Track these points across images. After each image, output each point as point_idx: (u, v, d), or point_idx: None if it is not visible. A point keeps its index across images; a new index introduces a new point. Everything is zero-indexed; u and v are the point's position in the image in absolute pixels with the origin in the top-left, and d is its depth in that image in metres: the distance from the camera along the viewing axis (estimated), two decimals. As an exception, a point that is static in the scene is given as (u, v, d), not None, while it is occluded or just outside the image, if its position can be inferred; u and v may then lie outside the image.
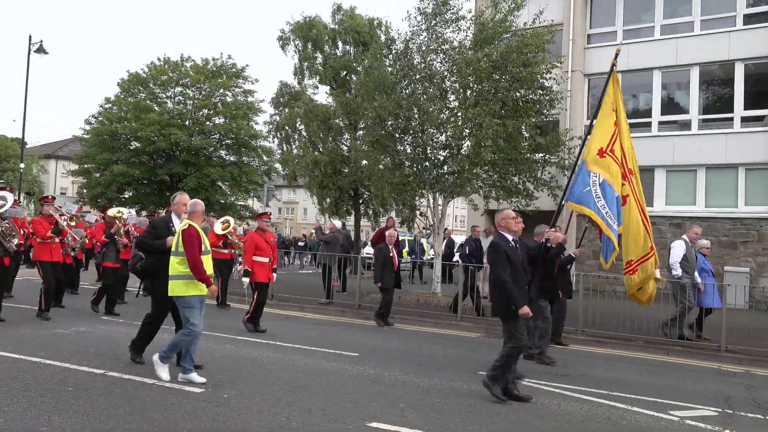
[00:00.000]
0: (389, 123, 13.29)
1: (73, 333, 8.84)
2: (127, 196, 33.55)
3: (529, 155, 13.57)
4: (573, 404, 6.43)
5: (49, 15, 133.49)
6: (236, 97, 35.04)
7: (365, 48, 20.81)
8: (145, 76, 34.33)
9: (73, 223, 11.49)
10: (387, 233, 11.87)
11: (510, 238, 6.51)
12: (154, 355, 6.42)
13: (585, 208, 8.96)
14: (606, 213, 8.87)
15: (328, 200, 24.48)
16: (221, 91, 35.07)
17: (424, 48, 13.83)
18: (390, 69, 13.94)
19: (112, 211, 11.75)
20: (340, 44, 24.72)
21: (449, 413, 5.79)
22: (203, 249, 6.27)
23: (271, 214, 11.32)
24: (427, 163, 13.95)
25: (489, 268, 7.14)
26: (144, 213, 27.13)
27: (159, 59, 34.60)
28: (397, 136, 13.39)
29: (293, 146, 25.56)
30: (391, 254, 11.35)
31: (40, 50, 29.69)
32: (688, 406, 6.62)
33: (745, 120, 17.27)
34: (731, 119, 17.44)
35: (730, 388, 7.78)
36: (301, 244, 32.95)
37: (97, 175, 33.63)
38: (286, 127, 25.27)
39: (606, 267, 9.37)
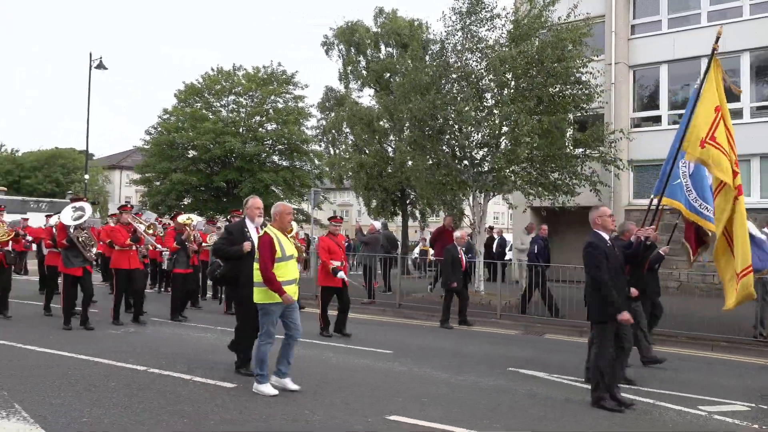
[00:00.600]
0: (426, 123, 13.39)
1: (123, 333, 9.37)
2: (186, 203, 34.72)
3: (567, 151, 13.41)
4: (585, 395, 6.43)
5: (108, 33, 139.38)
6: (287, 103, 35.80)
7: (406, 50, 20.96)
8: (200, 86, 35.50)
9: (150, 231, 11.59)
10: (457, 234, 11.82)
11: (606, 237, 6.15)
12: (254, 383, 6.09)
13: (675, 201, 8.36)
14: (700, 205, 8.23)
15: (374, 202, 24.73)
16: (272, 97, 35.90)
17: (459, 48, 13.89)
18: (427, 70, 14.04)
19: (181, 218, 11.67)
20: (382, 47, 24.95)
21: (470, 408, 5.90)
22: (282, 255, 5.98)
23: (342, 218, 11.16)
24: (465, 162, 14.01)
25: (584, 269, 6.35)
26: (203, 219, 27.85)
27: (213, 69, 35.72)
28: (435, 136, 13.48)
29: (339, 149, 25.93)
30: (459, 255, 11.26)
31: (100, 66, 31.04)
32: (720, 401, 6.53)
33: (800, 106, 16.59)
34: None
35: (757, 382, 7.58)
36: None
37: (157, 183, 34.97)
38: (333, 131, 25.67)
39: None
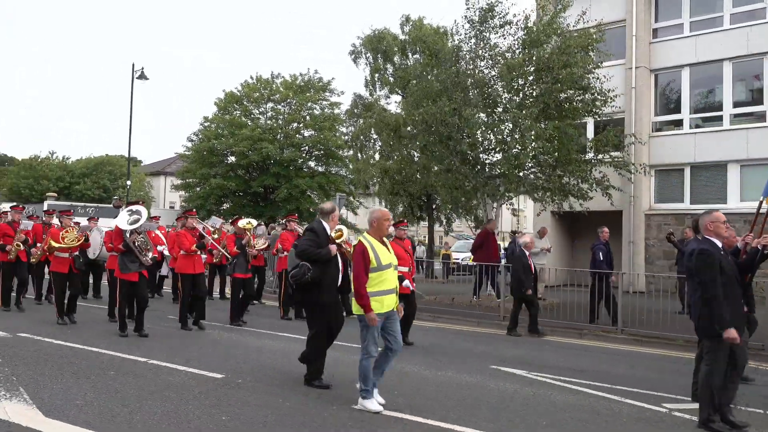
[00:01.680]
0: (437, 129, 13.72)
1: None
2: (225, 207, 35.75)
3: (576, 156, 13.53)
4: (564, 395, 6.69)
5: (150, 45, 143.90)
6: (323, 110, 36.48)
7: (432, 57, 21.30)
8: (239, 94, 36.54)
9: (216, 236, 11.57)
10: (525, 240, 11.44)
11: (720, 244, 5.68)
12: (359, 399, 5.84)
13: None
14: None
15: (400, 207, 25.12)
16: (309, 104, 36.66)
17: (470, 56, 14.19)
18: (439, 76, 14.39)
19: (242, 223, 11.52)
20: (409, 54, 25.39)
21: (438, 401, 6.23)
22: (377, 264, 5.64)
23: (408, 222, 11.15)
24: (478, 167, 14.27)
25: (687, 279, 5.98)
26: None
27: (251, 77, 36.74)
28: (444, 142, 13.80)
29: (366, 155, 26.45)
30: (529, 261, 10.96)
31: (142, 76, 32.39)
32: (685, 399, 6.67)
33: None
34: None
35: (745, 386, 7.65)
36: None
37: (198, 189, 36.14)
38: (361, 137, 26.22)
39: None
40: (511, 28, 14.54)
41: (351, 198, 34.42)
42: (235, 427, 5.17)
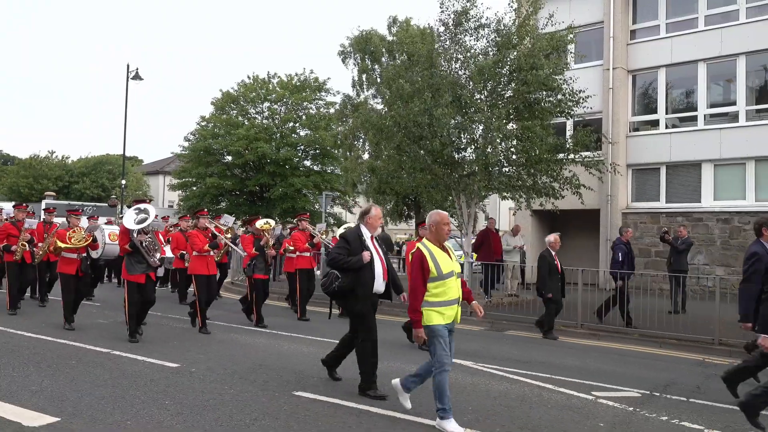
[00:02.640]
0: (409, 130, 14.05)
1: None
2: (221, 206, 36.06)
3: (547, 155, 13.82)
4: (502, 384, 7.05)
5: (145, 44, 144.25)
6: (319, 109, 36.76)
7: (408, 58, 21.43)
8: (235, 94, 36.87)
9: (228, 236, 11.35)
10: (550, 238, 10.96)
11: None
12: (394, 380, 5.81)
13: None
14: None
15: (388, 206, 25.46)
16: (304, 104, 37.00)
17: (444, 58, 14.50)
18: (414, 78, 14.70)
19: (259, 223, 11.27)
20: (396, 55, 25.68)
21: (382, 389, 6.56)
22: (437, 273, 5.24)
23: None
24: (450, 166, 14.55)
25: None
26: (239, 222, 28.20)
27: (248, 77, 37.07)
28: (417, 142, 14.12)
29: (353, 155, 26.79)
30: (555, 261, 10.61)
31: (136, 77, 32.75)
32: (616, 388, 7.03)
33: (797, 108, 16.58)
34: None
35: (684, 376, 8.00)
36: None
37: (194, 188, 36.47)
38: (349, 137, 26.56)
39: None
40: (484, 30, 14.85)
41: (347, 197, 34.73)
42: (175, 410, 5.53)
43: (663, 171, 18.51)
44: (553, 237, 10.92)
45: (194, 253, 10.02)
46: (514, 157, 14.02)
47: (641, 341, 10.46)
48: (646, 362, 8.95)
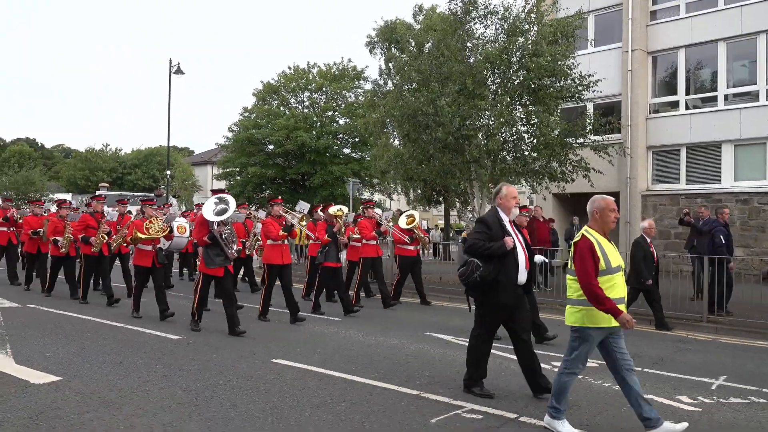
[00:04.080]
0: (416, 119, 14.58)
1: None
2: (265, 195, 37.24)
3: (554, 140, 14.08)
4: (470, 355, 7.57)
5: (188, 41, 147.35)
6: (358, 98, 37.48)
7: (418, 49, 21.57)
8: (276, 84, 37.91)
9: (304, 223, 11.15)
10: (644, 224, 10.29)
11: None
12: (546, 417, 5.05)
13: None
14: None
15: (417, 192, 25.89)
16: (343, 93, 37.81)
17: (452, 47, 14.90)
18: (422, 68, 15.18)
19: (332, 209, 10.96)
20: (423, 43, 26.04)
21: (351, 359, 7.21)
22: (606, 266, 4.72)
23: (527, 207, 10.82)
24: (459, 154, 14.98)
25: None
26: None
27: (289, 68, 38.10)
28: (423, 130, 14.62)
29: (383, 142, 27.30)
30: (651, 248, 10.04)
31: (178, 71, 34.08)
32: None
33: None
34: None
35: (654, 350, 8.34)
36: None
37: (238, 177, 37.80)
38: (378, 125, 27.05)
39: None
40: (494, 17, 15.17)
41: (387, 184, 35.38)
42: (161, 372, 6.33)
43: (683, 152, 18.42)
44: (647, 223, 10.26)
45: (269, 241, 9.72)
46: (522, 143, 14.34)
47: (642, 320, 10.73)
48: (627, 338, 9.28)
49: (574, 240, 4.93)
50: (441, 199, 26.72)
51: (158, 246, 9.63)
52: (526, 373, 5.85)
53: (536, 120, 14.05)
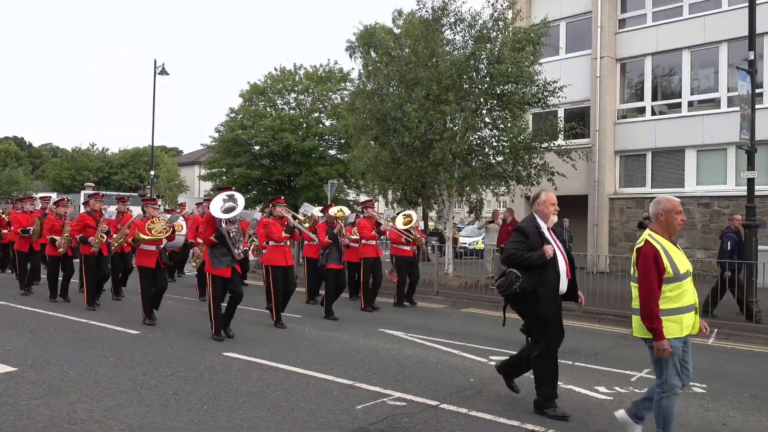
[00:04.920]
0: (384, 122, 15.02)
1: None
2: (250, 196, 37.42)
3: (517, 145, 14.52)
4: (415, 350, 7.98)
5: (179, 41, 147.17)
6: (344, 99, 37.82)
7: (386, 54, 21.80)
8: (263, 86, 38.19)
9: (307, 225, 10.84)
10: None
11: None
12: (619, 411, 4.94)
13: None
14: None
15: (396, 193, 26.29)
16: (329, 94, 38.19)
17: (420, 54, 15.33)
18: (391, 73, 15.62)
19: (332, 210, 10.90)
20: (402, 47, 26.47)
21: (299, 352, 7.59)
22: (674, 273, 4.40)
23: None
24: (424, 158, 15.37)
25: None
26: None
27: (275, 69, 38.42)
28: (390, 134, 15.06)
29: (361, 144, 27.68)
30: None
31: (163, 72, 34.36)
32: (512, 353, 7.87)
33: (777, 93, 16.81)
34: (761, 95, 17.01)
35: (592, 345, 8.78)
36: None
37: (224, 178, 38.03)
38: (357, 127, 27.45)
39: None
40: (462, 24, 15.61)
41: (372, 185, 35.74)
42: (113, 363, 6.70)
43: (649, 157, 18.95)
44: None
45: (270, 243, 9.46)
46: (487, 147, 14.78)
47: (584, 318, 11.20)
48: (569, 335, 9.70)
49: (637, 245, 4.59)
50: (419, 200, 27.18)
51: (161, 246, 9.31)
52: (511, 363, 5.86)
53: (501, 125, 14.49)
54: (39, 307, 10.39)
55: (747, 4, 16.33)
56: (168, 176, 51.36)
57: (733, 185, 17.20)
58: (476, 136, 14.56)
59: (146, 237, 9.08)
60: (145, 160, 59.02)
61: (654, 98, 19.05)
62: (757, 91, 16.71)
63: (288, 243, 9.57)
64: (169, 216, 9.94)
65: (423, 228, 30.53)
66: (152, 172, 36.99)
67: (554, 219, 5.55)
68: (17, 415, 4.99)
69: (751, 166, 11.63)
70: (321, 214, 12.33)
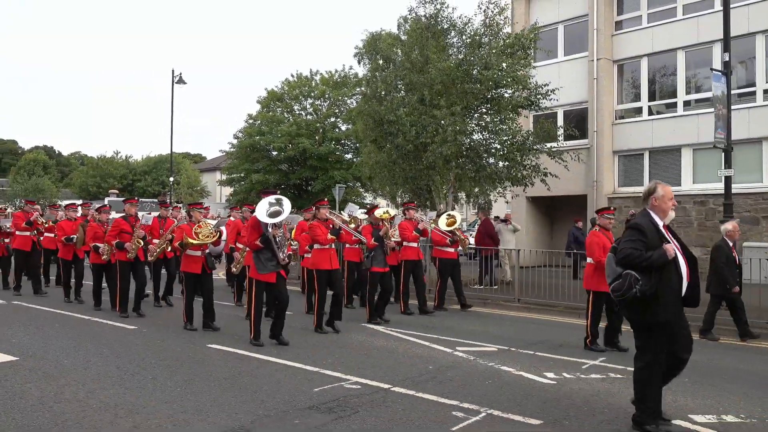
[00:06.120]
0: (381, 125, 15.62)
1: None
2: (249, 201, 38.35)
3: (509, 146, 14.98)
4: (388, 341, 8.53)
5: (191, 51, 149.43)
6: (359, 104, 38.49)
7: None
8: (280, 92, 39.05)
9: (353, 225, 10.78)
10: (728, 227, 9.52)
11: None
12: None
13: None
14: None
15: (405, 196, 26.81)
16: (344, 99, 38.94)
17: (414, 60, 15.88)
18: (387, 80, 16.21)
19: (378, 212, 10.65)
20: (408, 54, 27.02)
21: (280, 345, 8.17)
22: None
23: (614, 209, 10.57)
24: (418, 160, 15.90)
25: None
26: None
27: (292, 75, 39.26)
28: (386, 137, 15.65)
29: (368, 148, 28.28)
30: (733, 253, 9.39)
31: (180, 81, 35.40)
32: (480, 344, 8.38)
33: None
34: (753, 93, 17.22)
35: (560, 337, 9.21)
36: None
37: (243, 183, 38.98)
38: (365, 132, 28.07)
39: None
40: (454, 30, 16.13)
41: (377, 187, 36.37)
42: (105, 354, 7.37)
43: (646, 156, 19.23)
44: (731, 225, 9.55)
45: (315, 246, 9.36)
46: (479, 150, 15.26)
47: (565, 313, 11.62)
48: (543, 327, 10.19)
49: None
50: (428, 203, 27.69)
51: (207, 251, 9.25)
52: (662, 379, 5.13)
53: (492, 128, 14.97)
54: (50, 306, 11.14)
55: (739, 4, 16.76)
56: (189, 182, 52.57)
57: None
58: (468, 140, 15.01)
59: (194, 241, 8.96)
60: (167, 167, 60.47)
61: (651, 98, 19.34)
62: (751, 89, 17.12)
63: (333, 246, 9.36)
64: (216, 221, 9.88)
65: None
66: (171, 178, 38.07)
67: (672, 215, 5.14)
68: (11, 395, 5.66)
69: (728, 164, 11.95)
70: (365, 216, 12.28)
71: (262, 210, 7.91)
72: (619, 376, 6.86)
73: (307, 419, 5.18)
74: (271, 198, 8.07)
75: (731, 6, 12.19)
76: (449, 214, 11.99)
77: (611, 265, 5.12)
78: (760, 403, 5.94)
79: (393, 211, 11.41)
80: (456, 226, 11.69)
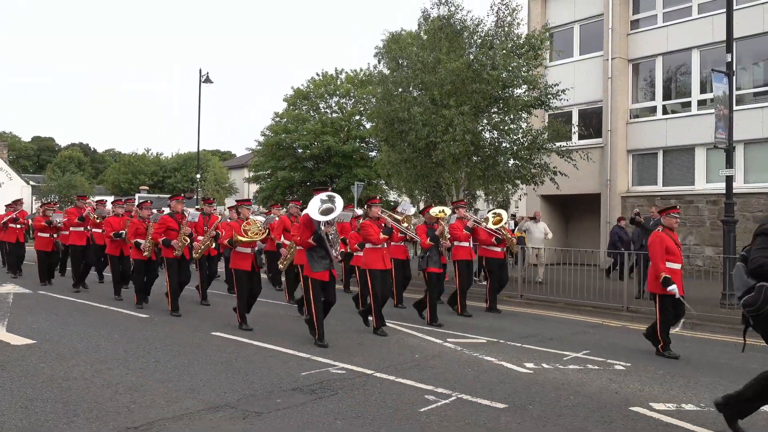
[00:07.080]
0: (393, 125, 16.02)
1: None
2: (295, 197, 38.93)
3: (518, 145, 15.25)
4: (392, 334, 8.89)
5: (217, 52, 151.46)
6: (372, 105, 39.00)
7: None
8: (305, 90, 39.71)
9: (405, 225, 10.48)
10: None
11: None
12: None
13: None
14: None
15: (423, 195, 27.16)
16: (369, 97, 39.42)
17: (427, 61, 16.23)
18: (399, 80, 16.60)
19: (433, 211, 10.50)
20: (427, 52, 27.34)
21: (281, 334, 8.62)
22: None
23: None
24: (430, 158, 16.26)
25: None
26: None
27: (317, 74, 39.93)
28: (398, 135, 16.05)
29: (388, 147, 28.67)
30: None
31: (207, 80, 36.25)
32: (469, 336, 8.73)
33: (786, 91, 16.95)
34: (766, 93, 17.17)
35: (552, 331, 9.49)
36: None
37: (269, 180, 39.75)
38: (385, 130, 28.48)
39: None
40: (466, 32, 16.44)
41: (395, 185, 36.79)
42: (115, 339, 7.94)
43: (660, 156, 19.25)
44: None
45: (366, 245, 9.14)
46: (490, 149, 15.56)
47: (565, 309, 11.88)
48: (539, 322, 10.47)
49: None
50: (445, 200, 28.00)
51: (256, 249, 9.20)
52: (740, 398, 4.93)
53: (502, 127, 15.26)
54: (71, 296, 11.82)
55: (750, 4, 16.74)
56: (216, 179, 53.64)
57: (742, 182, 17.36)
58: (476, 138, 15.30)
59: (243, 239, 8.90)
60: (196, 164, 61.89)
61: (665, 98, 19.35)
62: (766, 89, 17.07)
63: (386, 245, 9.14)
64: (265, 218, 9.86)
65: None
66: (198, 175, 39.00)
67: None
68: (25, 373, 6.23)
69: (729, 164, 12.05)
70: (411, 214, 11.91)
71: (314, 208, 7.77)
72: (596, 367, 7.14)
73: (290, 399, 5.62)
74: (323, 195, 7.93)
75: (747, 5, 12.24)
76: (495, 212, 11.74)
77: (741, 277, 4.58)
78: (724, 392, 6.18)
79: (448, 211, 11.21)
80: (503, 224, 11.44)
